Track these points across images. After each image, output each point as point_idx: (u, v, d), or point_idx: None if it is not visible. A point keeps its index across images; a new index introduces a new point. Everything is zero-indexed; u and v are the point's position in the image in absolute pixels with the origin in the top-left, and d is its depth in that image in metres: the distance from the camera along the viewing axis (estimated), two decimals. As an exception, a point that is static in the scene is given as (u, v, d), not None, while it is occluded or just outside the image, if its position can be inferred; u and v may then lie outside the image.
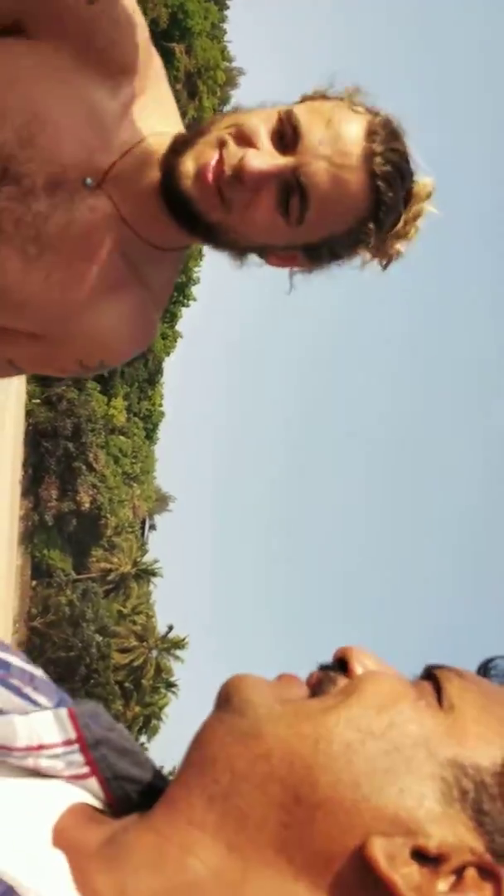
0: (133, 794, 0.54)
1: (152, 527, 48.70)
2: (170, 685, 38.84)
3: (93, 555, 39.41)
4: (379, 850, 0.44)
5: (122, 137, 1.04)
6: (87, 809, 0.53)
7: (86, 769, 0.54)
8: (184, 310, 39.15)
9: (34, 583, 36.51)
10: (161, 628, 39.58)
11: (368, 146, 0.98)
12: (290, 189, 0.98)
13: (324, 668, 0.54)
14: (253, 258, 1.10)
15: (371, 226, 1.01)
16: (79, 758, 0.53)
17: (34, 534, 36.54)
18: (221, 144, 0.98)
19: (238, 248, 1.07)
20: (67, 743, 0.53)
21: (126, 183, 1.04)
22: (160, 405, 44.75)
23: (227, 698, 0.52)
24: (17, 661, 0.56)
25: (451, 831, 0.46)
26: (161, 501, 52.56)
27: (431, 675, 0.53)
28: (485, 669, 0.57)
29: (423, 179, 1.04)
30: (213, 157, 0.98)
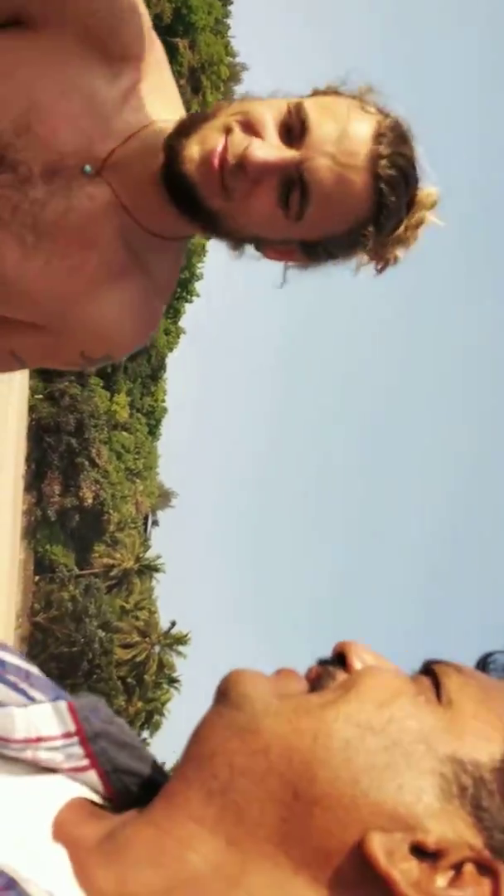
0: (133, 788, 0.54)
1: (155, 522, 48.74)
2: (172, 681, 38.92)
3: (95, 550, 39.45)
4: (378, 845, 0.44)
5: (122, 124, 1.03)
6: (87, 804, 0.53)
7: (85, 762, 0.53)
8: (187, 306, 39.12)
9: (37, 578, 36.58)
10: (163, 624, 39.69)
11: (375, 148, 0.97)
12: (292, 183, 0.96)
13: (322, 662, 0.54)
14: (251, 251, 1.09)
15: (371, 229, 1.00)
16: (78, 750, 0.53)
17: (37, 529, 36.60)
18: (227, 131, 0.97)
19: (237, 238, 1.06)
20: (67, 735, 0.53)
21: (126, 170, 1.03)
22: (163, 401, 44.78)
23: (226, 693, 0.52)
24: (12, 658, 0.56)
25: (450, 827, 0.46)
26: (164, 497, 52.55)
27: (430, 671, 0.53)
28: (484, 664, 0.56)
29: (429, 188, 1.03)
30: (218, 143, 0.96)
